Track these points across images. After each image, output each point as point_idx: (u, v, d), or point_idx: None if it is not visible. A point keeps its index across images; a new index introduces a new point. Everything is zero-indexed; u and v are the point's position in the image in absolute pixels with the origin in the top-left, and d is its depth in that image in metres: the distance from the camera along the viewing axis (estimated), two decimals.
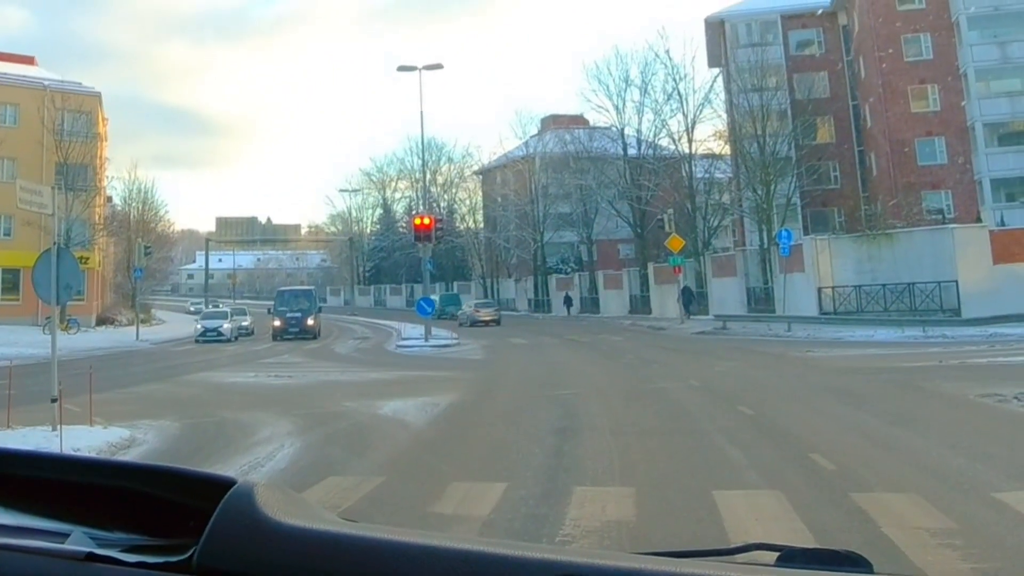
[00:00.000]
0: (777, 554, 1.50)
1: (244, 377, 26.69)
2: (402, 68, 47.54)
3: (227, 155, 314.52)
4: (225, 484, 1.39)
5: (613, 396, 19.36)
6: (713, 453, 12.04)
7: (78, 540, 1.48)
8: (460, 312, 66.10)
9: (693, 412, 16.26)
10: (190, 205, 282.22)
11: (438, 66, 47.72)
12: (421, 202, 67.45)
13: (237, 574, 1.29)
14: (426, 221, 41.43)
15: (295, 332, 49.65)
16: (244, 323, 56.29)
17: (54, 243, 14.76)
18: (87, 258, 60.97)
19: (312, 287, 65.63)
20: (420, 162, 71.04)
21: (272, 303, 54.78)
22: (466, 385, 22.54)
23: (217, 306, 70.92)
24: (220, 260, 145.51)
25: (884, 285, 42.83)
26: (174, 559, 1.35)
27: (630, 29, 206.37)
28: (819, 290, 44.59)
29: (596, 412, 16.70)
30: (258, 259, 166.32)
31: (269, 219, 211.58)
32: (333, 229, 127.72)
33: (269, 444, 13.55)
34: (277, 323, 50.59)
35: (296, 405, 18.61)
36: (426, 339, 40.11)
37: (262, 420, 16.25)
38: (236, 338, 51.01)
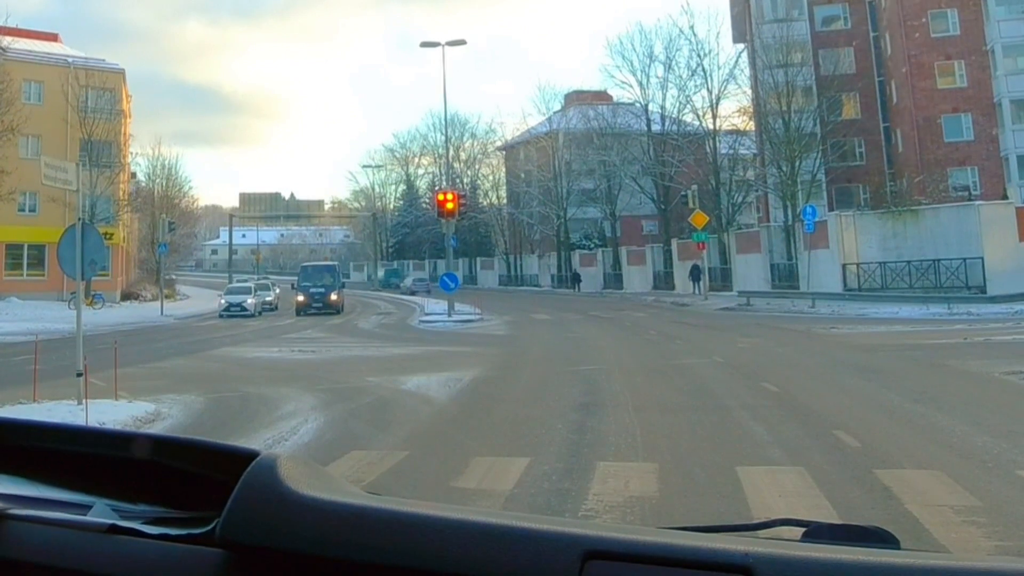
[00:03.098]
0: (803, 530, 1.51)
1: (268, 352, 26.78)
2: (425, 44, 47.26)
3: (250, 132, 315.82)
4: (247, 456, 1.38)
5: (636, 372, 19.34)
6: (736, 429, 12.02)
7: (101, 512, 1.50)
8: (402, 283, 78.51)
9: (716, 388, 16.22)
10: (213, 181, 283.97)
11: (461, 42, 47.35)
12: (444, 178, 67.47)
13: (260, 546, 1.29)
14: (449, 197, 41.32)
15: (318, 307, 49.70)
16: (268, 298, 56.35)
17: (79, 219, 14.79)
18: (111, 234, 61.14)
19: (335, 263, 65.84)
20: (443, 138, 70.85)
21: (296, 278, 54.97)
22: (489, 361, 22.55)
23: (266, 279, 70.96)
24: (244, 236, 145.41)
25: (909, 262, 42.69)
26: (197, 531, 1.36)
27: (654, 5, 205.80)
28: (844, 266, 44.51)
29: (619, 388, 16.69)
30: (281, 235, 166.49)
31: (292, 195, 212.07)
32: (356, 205, 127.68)
33: (293, 418, 13.61)
34: (300, 298, 50.72)
35: (320, 380, 18.66)
36: (449, 315, 40.11)
37: (286, 395, 16.30)
38: (260, 313, 51.16)
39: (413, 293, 75.91)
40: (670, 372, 19.08)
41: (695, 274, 57.68)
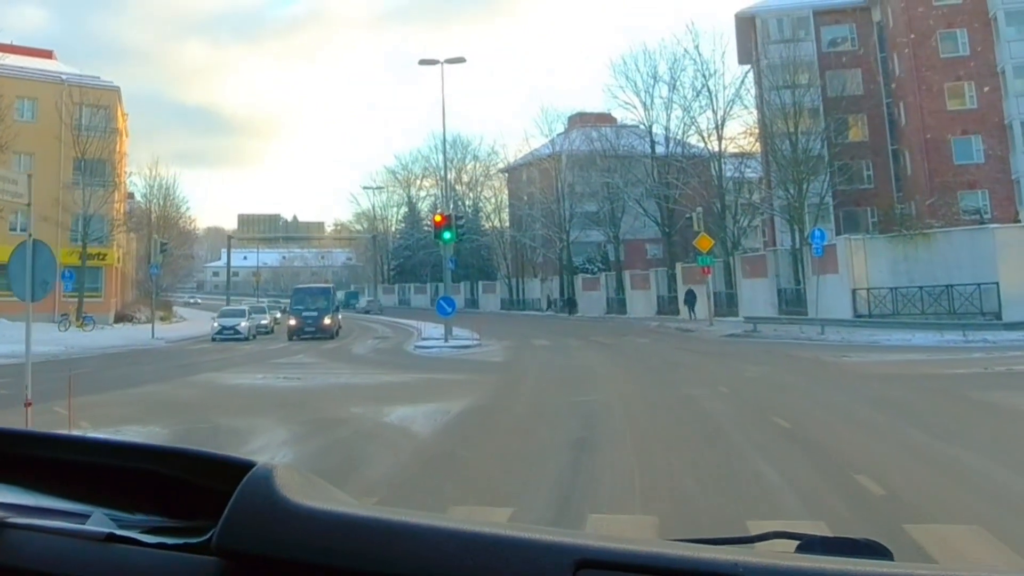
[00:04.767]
0: (797, 543, 1.51)
1: (252, 379, 25.60)
2: (424, 62, 46.55)
3: (252, 153, 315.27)
4: (244, 466, 1.39)
5: (637, 404, 18.14)
6: (746, 473, 10.79)
7: (99, 521, 1.51)
8: (358, 305, 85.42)
9: (723, 423, 14.97)
10: (216, 203, 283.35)
11: (460, 59, 46.67)
12: (444, 198, 66.43)
13: (256, 555, 1.29)
14: (446, 215, 40.45)
15: (311, 332, 48.15)
16: (263, 321, 55.33)
17: (29, 235, 13.65)
18: (105, 254, 60.42)
19: (331, 285, 63.99)
20: (444, 159, 70.04)
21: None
22: (482, 390, 21.34)
23: (275, 302, 70.31)
24: (245, 258, 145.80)
25: (921, 287, 41.61)
26: (193, 540, 1.38)
27: (658, 25, 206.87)
28: (853, 292, 43.45)
29: (618, 422, 15.47)
30: (283, 257, 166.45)
31: (295, 217, 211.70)
32: (359, 227, 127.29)
33: (261, 455, 12.37)
34: (292, 322, 49.40)
35: (299, 410, 17.58)
36: (446, 340, 38.96)
37: (259, 427, 15.25)
38: (254, 337, 50.09)
39: (368, 312, 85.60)
40: (673, 404, 17.85)
41: (690, 300, 57.58)
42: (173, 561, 1.36)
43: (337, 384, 23.91)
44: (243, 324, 49.41)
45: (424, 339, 42.51)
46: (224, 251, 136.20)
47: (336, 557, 1.25)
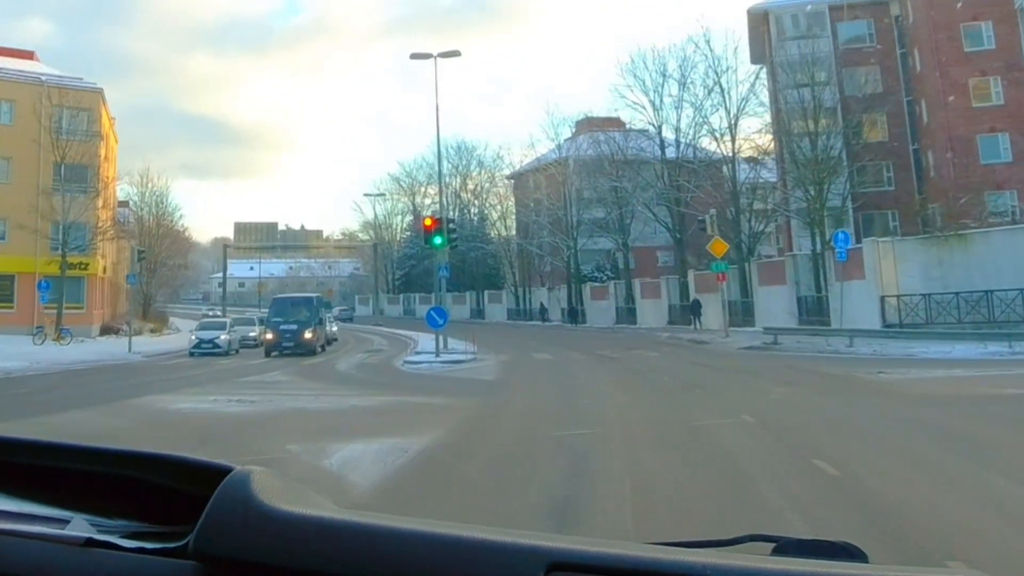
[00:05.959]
0: (773, 545, 1.50)
1: (200, 402, 21.97)
2: (415, 56, 43.88)
3: (259, 164, 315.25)
4: (222, 471, 1.41)
5: (641, 439, 14.72)
6: None
7: (78, 526, 1.51)
8: (330, 313, 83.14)
9: (750, 469, 11.54)
10: (223, 214, 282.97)
11: (454, 53, 43.94)
12: (440, 197, 63.75)
13: (233, 559, 1.30)
14: (437, 218, 37.70)
15: (290, 347, 43.49)
16: (251, 333, 51.74)
17: None
18: (87, 264, 57.57)
19: (315, 294, 58.58)
20: (449, 165, 67.35)
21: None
22: (458, 418, 18.10)
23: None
24: (251, 268, 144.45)
25: (957, 293, 38.38)
26: (171, 545, 1.38)
27: (665, 31, 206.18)
28: (882, 299, 40.39)
29: (616, 468, 11.97)
30: (290, 267, 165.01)
31: (303, 225, 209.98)
32: (365, 236, 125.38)
33: None
34: (269, 336, 44.80)
35: (227, 447, 14.36)
36: (437, 354, 35.79)
37: None
38: (236, 351, 46.88)
39: (338, 319, 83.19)
40: (686, 440, 14.33)
41: (695, 309, 56.31)
42: (151, 565, 1.35)
43: (293, 409, 20.61)
44: (223, 337, 46.05)
45: (416, 353, 39.72)
46: (230, 262, 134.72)
47: (312, 561, 1.26)
